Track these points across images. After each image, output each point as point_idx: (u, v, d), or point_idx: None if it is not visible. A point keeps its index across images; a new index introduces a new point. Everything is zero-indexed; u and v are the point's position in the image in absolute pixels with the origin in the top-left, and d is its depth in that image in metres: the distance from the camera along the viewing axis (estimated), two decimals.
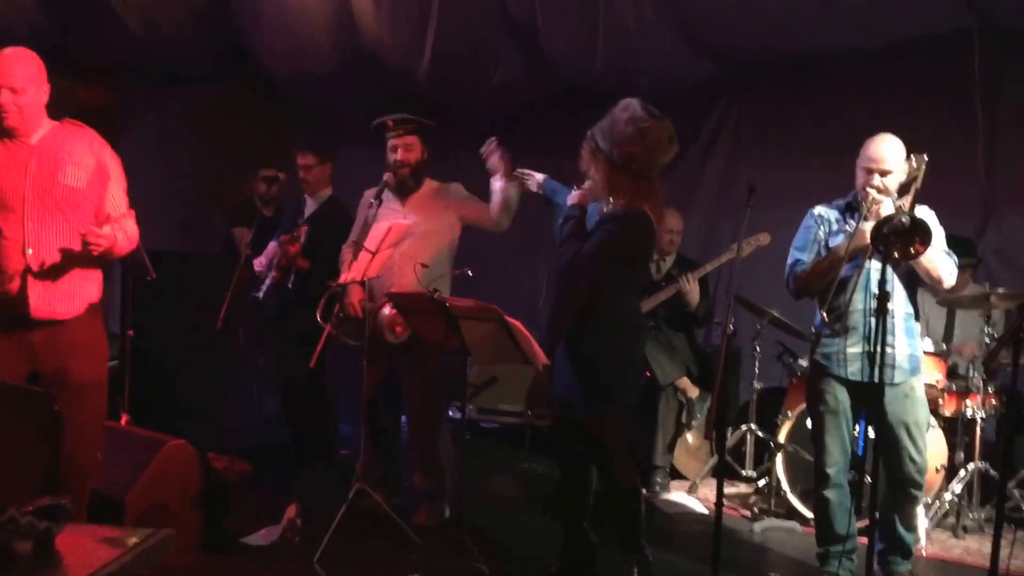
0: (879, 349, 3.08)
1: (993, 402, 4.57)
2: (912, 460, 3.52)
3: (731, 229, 6.19)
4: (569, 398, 3.47)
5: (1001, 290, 4.42)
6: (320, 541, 3.77)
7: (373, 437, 4.36)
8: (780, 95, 6.06)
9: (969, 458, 4.53)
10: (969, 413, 4.52)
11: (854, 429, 3.59)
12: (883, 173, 3.46)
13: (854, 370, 3.50)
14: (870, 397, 3.39)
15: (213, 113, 6.99)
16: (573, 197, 3.52)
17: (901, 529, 3.60)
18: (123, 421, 4.40)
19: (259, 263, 5.03)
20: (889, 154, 3.47)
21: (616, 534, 3.59)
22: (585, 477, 3.64)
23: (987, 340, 4.51)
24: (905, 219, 3.15)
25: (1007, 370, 3.80)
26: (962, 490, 4.45)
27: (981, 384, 4.48)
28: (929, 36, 5.11)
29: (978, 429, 4.49)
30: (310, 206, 5.19)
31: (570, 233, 3.42)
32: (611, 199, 3.43)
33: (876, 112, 5.34)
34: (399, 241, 4.07)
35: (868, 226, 3.31)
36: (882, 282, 3.08)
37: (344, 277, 4.03)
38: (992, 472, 4.48)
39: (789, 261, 3.71)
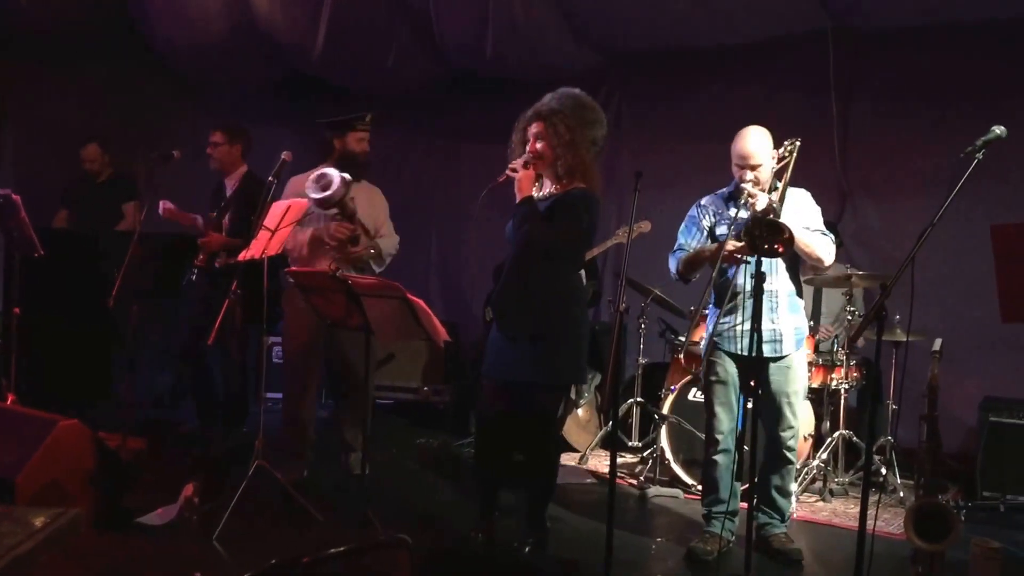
0: (755, 325, 3.31)
1: (855, 375, 4.94)
2: (789, 426, 3.80)
3: (615, 212, 6.43)
4: (522, 375, 3.57)
5: (861, 272, 4.82)
6: (219, 519, 3.75)
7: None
8: (658, 85, 6.36)
9: (835, 427, 4.88)
10: (834, 385, 4.88)
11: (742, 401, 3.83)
12: (752, 167, 3.65)
13: (743, 346, 3.72)
14: (757, 369, 3.68)
15: (104, 91, 6.78)
16: (526, 182, 3.55)
17: (777, 495, 3.87)
18: (9, 401, 4.29)
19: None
20: (755, 148, 3.66)
21: (527, 505, 3.76)
22: (505, 449, 3.81)
23: (849, 317, 4.86)
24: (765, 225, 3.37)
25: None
26: (828, 456, 4.79)
27: (845, 358, 4.84)
28: (791, 34, 5.49)
29: (842, 400, 4.83)
30: (230, 187, 5.21)
31: (538, 215, 3.52)
32: (564, 181, 3.57)
33: (744, 104, 5.70)
34: (299, 219, 4.10)
35: (744, 215, 3.54)
36: (757, 272, 3.26)
37: (243, 255, 4.02)
38: (855, 439, 4.85)
39: (674, 247, 3.93)
